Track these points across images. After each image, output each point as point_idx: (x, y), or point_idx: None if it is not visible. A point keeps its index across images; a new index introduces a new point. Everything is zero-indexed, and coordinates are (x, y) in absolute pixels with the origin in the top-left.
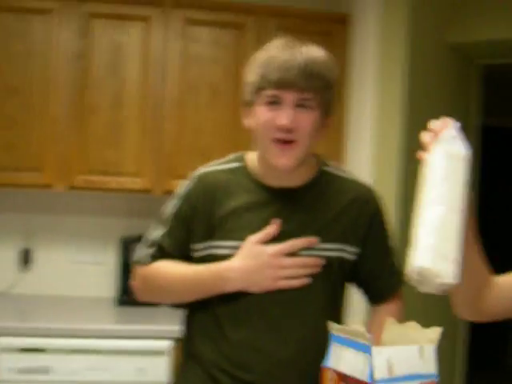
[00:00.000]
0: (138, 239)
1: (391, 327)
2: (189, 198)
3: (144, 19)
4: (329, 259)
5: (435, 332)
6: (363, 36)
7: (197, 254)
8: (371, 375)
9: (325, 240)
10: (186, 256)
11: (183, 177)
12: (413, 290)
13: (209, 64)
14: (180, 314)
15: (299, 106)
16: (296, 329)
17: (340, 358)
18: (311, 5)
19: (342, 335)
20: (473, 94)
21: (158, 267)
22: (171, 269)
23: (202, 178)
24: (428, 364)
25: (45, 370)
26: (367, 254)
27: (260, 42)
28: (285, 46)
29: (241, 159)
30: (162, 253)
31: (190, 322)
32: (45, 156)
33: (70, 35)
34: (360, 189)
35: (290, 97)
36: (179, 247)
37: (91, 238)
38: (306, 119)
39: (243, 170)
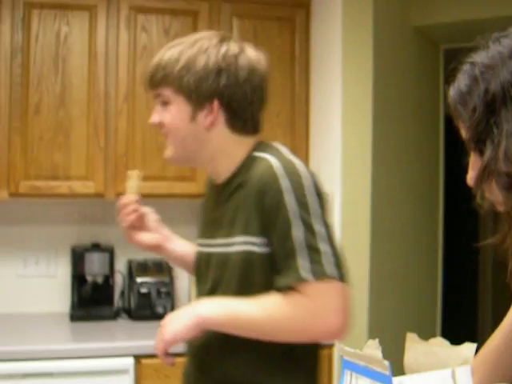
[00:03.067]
0: (91, 248)
1: (414, 345)
2: None
3: (88, 8)
4: (237, 254)
5: (469, 349)
6: (326, 20)
7: None
8: None
9: (231, 234)
10: None
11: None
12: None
13: None
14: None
15: (162, 103)
16: None
17: None
18: None
19: (355, 361)
20: (440, 79)
21: None
22: None
23: None
24: None
25: None
26: (273, 244)
27: (214, 30)
28: (171, 45)
29: None
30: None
31: None
32: None
33: (6, 28)
34: (262, 177)
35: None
36: None
37: (40, 249)
38: (167, 114)
39: None
